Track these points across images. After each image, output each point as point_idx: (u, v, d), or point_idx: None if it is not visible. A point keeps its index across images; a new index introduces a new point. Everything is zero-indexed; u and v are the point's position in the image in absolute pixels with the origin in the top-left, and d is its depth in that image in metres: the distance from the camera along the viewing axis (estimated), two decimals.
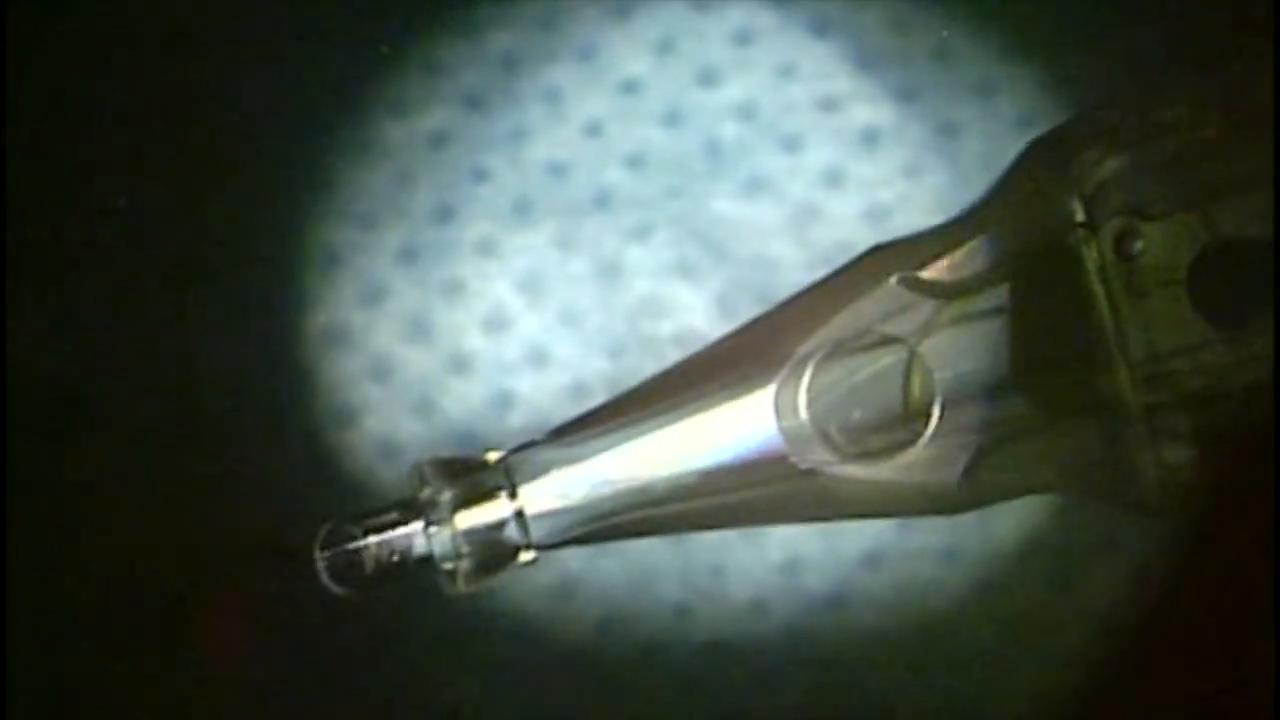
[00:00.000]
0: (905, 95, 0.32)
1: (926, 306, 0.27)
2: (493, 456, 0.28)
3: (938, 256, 0.27)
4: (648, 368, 0.32)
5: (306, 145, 0.33)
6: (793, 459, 0.27)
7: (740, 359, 0.28)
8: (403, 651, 0.33)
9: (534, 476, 0.28)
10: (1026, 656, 0.32)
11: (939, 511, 0.28)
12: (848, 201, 0.33)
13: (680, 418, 0.28)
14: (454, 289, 0.33)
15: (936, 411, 0.27)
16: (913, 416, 0.27)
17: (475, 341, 0.33)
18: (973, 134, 0.32)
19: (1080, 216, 0.26)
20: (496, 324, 0.33)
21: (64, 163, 0.33)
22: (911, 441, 0.27)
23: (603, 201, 0.33)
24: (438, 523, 0.28)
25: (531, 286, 0.33)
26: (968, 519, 0.32)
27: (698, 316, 0.33)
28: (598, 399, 0.32)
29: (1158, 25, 0.32)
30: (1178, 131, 0.26)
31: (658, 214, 0.33)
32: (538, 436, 0.29)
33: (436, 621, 0.33)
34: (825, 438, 0.27)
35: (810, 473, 0.27)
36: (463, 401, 0.33)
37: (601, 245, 0.33)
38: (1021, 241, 0.27)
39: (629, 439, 0.28)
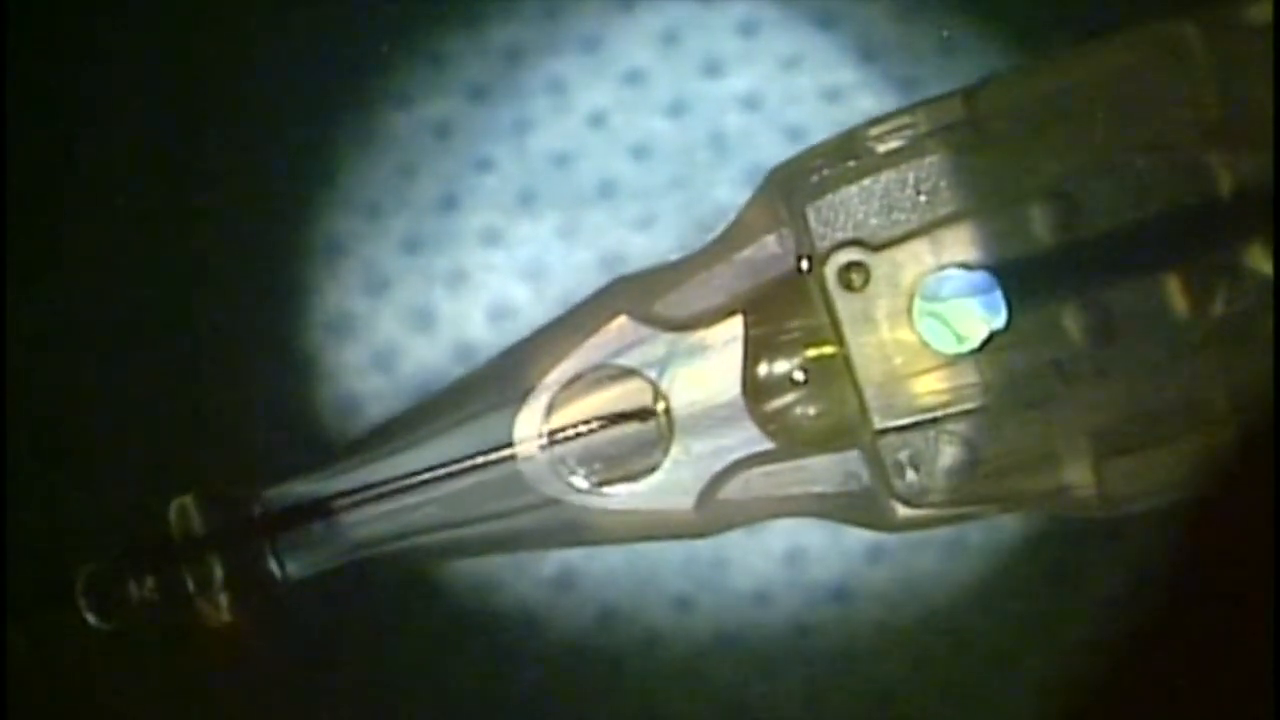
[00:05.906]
0: (910, 86, 0.32)
1: (665, 339, 0.28)
2: (249, 492, 0.29)
3: (672, 289, 0.28)
4: None
5: (310, 135, 0.33)
6: (538, 488, 0.28)
7: (483, 391, 0.29)
8: (404, 644, 0.33)
9: (288, 511, 0.29)
10: (1030, 649, 0.32)
11: (681, 536, 0.29)
12: None
13: (421, 449, 0.29)
14: (458, 279, 0.33)
15: (672, 441, 0.28)
16: (650, 446, 0.28)
17: (479, 331, 0.33)
18: None
19: (807, 248, 0.26)
20: (501, 314, 0.33)
21: (64, 160, 0.33)
22: (648, 471, 0.28)
23: (607, 192, 0.33)
24: (195, 558, 0.28)
25: (536, 276, 0.33)
26: None
27: None
28: None
29: (1157, 19, 0.32)
30: (900, 159, 0.26)
31: (662, 205, 0.33)
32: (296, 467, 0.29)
33: (437, 613, 0.33)
34: (562, 467, 0.28)
35: (555, 501, 0.28)
36: None
37: (606, 236, 0.33)
38: (753, 274, 0.28)
39: (373, 471, 0.29)
